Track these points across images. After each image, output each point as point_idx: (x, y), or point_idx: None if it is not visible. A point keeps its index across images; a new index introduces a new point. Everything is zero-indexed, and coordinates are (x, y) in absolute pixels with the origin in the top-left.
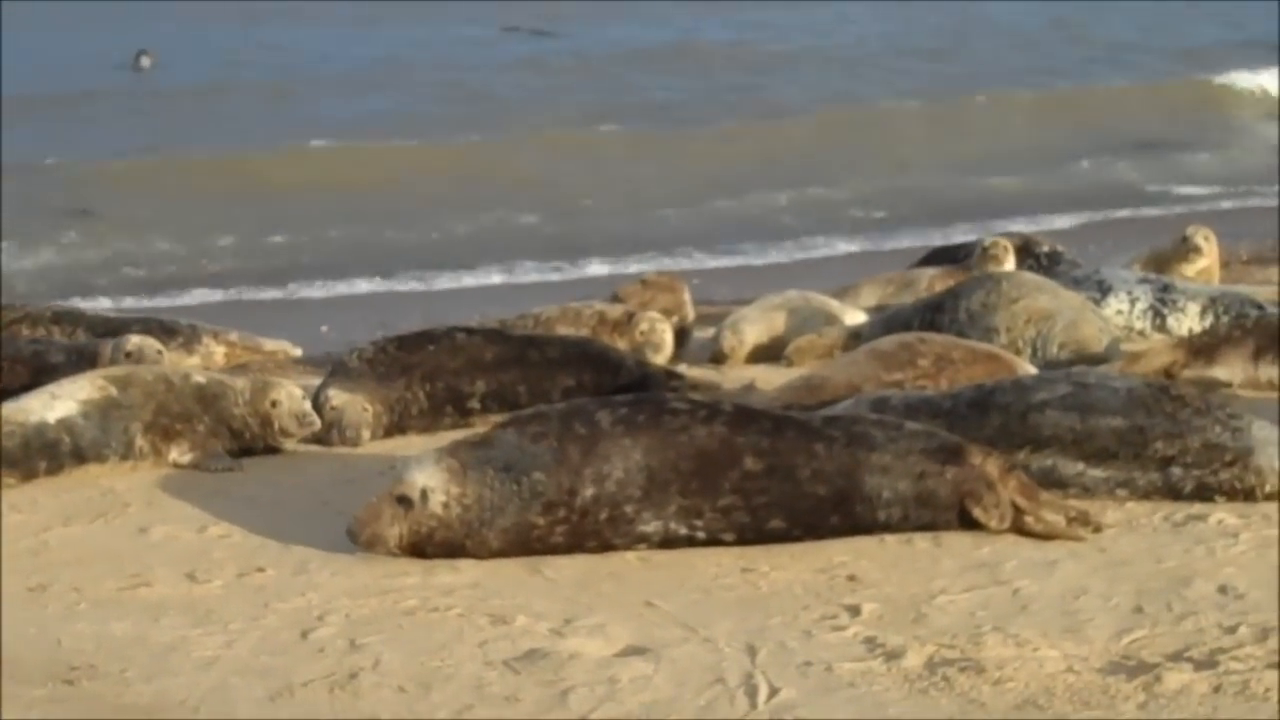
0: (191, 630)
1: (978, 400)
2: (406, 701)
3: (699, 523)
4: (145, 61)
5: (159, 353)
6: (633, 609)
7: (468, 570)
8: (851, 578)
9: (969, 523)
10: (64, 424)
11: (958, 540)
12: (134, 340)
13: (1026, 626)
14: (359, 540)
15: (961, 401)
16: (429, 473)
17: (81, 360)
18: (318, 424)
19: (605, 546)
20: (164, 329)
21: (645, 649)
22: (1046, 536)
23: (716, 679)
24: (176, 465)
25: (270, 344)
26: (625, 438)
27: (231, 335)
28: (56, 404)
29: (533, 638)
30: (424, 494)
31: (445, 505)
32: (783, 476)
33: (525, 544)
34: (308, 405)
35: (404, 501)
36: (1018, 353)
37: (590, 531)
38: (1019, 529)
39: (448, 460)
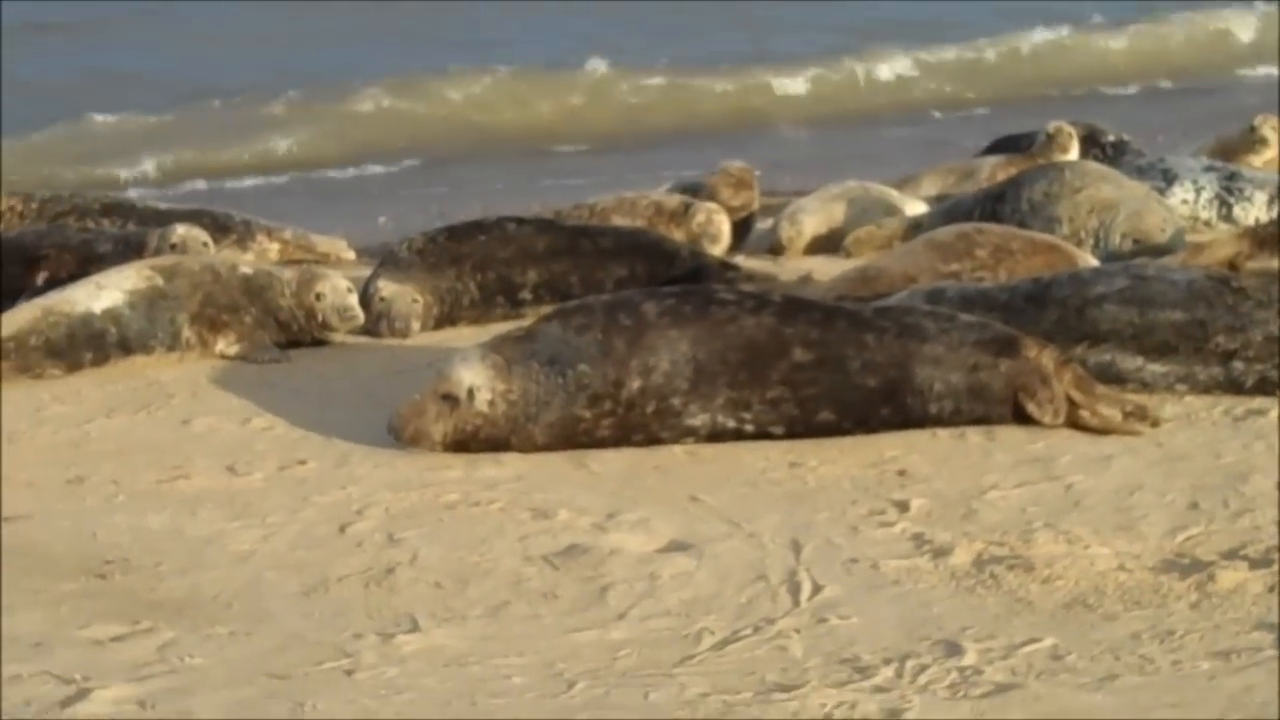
0: (229, 524)
1: (1034, 293)
2: (442, 597)
3: (747, 415)
4: None
5: (205, 244)
6: (677, 503)
7: (511, 464)
8: (901, 472)
9: (1023, 417)
10: (110, 314)
11: (1011, 435)
12: (180, 230)
13: (1078, 523)
14: (402, 437)
15: (1018, 294)
16: (475, 370)
17: (129, 250)
18: (360, 318)
19: (652, 440)
20: (217, 224)
21: (688, 544)
22: (1102, 431)
23: (759, 575)
24: (223, 356)
25: (324, 243)
26: (672, 329)
27: (285, 233)
28: (102, 294)
29: (574, 533)
30: (470, 392)
31: (491, 403)
32: (832, 368)
33: (571, 438)
34: (352, 299)
35: (449, 399)
36: (1079, 243)
37: (636, 425)
38: (1074, 423)
39: (492, 356)
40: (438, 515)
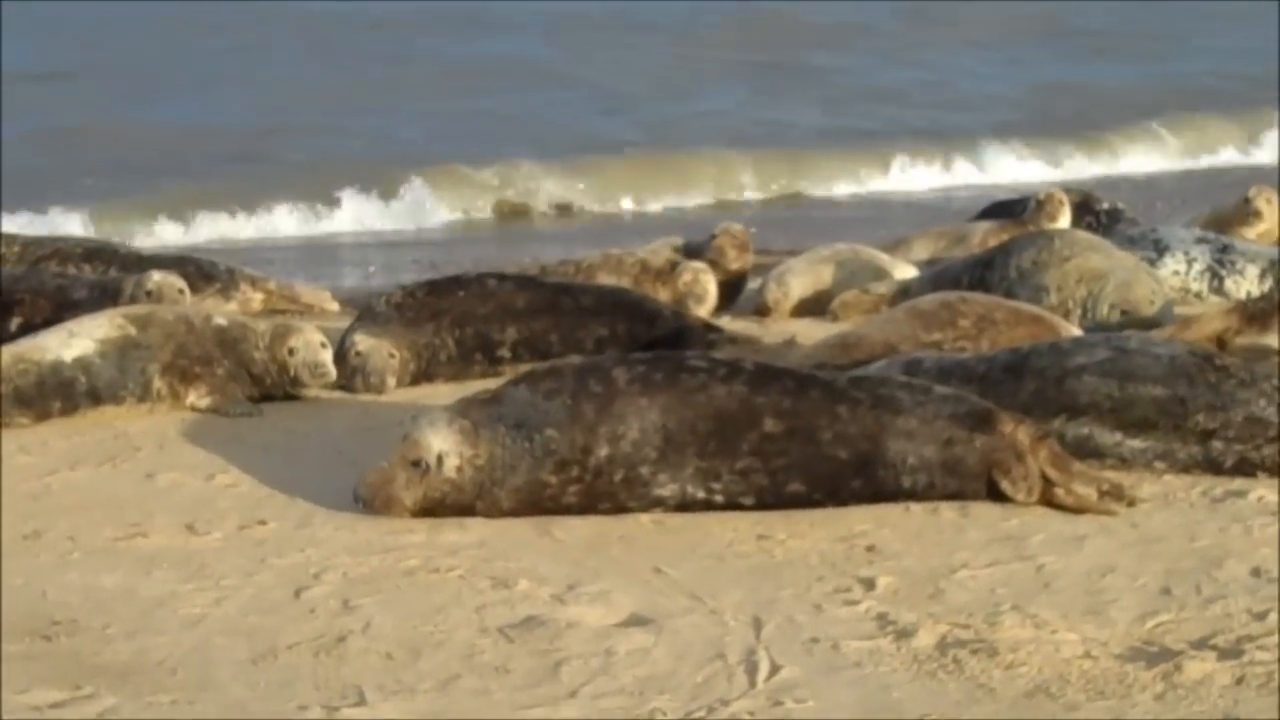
0: (182, 585)
1: (1013, 364)
2: (392, 669)
3: (716, 485)
4: None
5: (181, 291)
6: (640, 575)
7: (475, 529)
8: (870, 548)
9: (997, 493)
10: (80, 363)
11: (986, 511)
12: (155, 277)
13: (1047, 606)
14: (372, 505)
15: (996, 365)
16: (442, 435)
17: (105, 296)
18: (332, 375)
19: (619, 509)
20: (201, 272)
21: (648, 619)
22: (1078, 510)
23: (717, 654)
24: (194, 409)
25: (308, 294)
26: (641, 396)
27: (270, 283)
28: (74, 342)
29: (532, 603)
30: (439, 458)
31: (459, 469)
32: (804, 439)
33: (537, 504)
34: (325, 355)
35: (418, 465)
36: (1067, 313)
37: (604, 493)
38: (1049, 501)
39: (460, 421)
40: (395, 582)
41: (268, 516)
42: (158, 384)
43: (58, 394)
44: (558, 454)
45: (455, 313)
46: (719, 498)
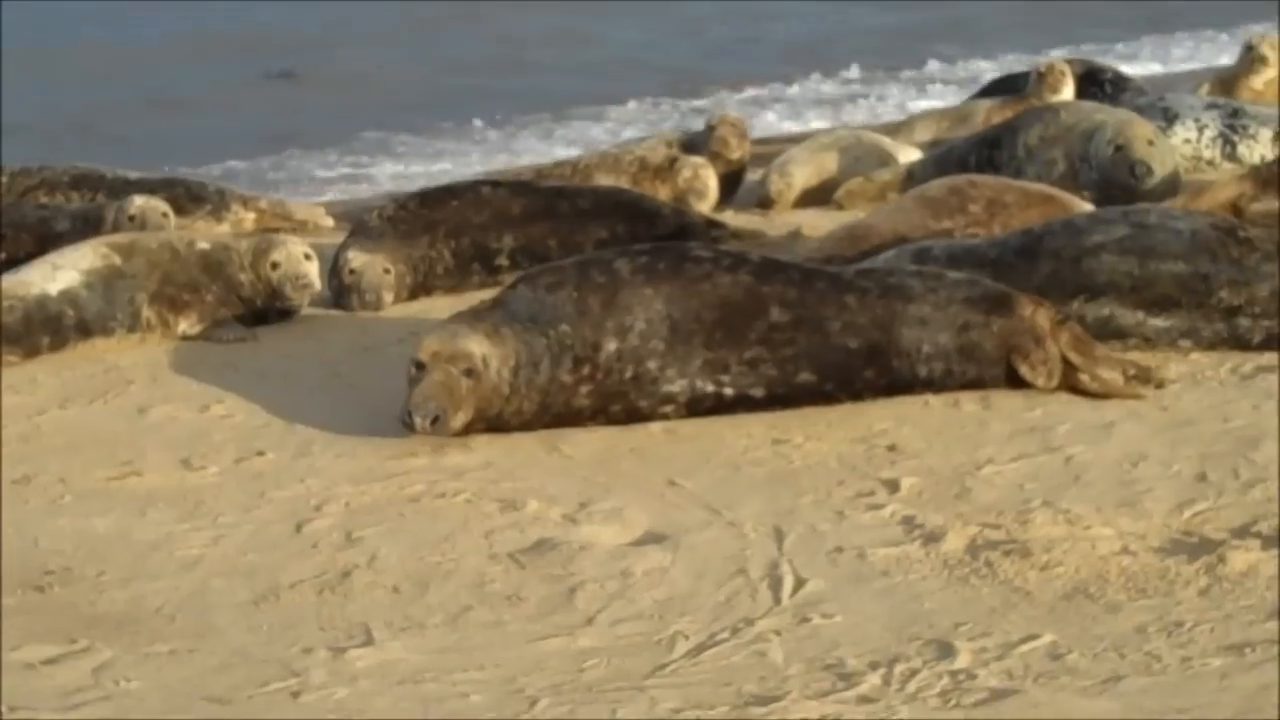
0: (178, 525)
1: (1026, 246)
2: (399, 604)
3: (725, 378)
4: None
5: (165, 215)
6: (654, 489)
7: (480, 449)
8: (891, 447)
9: (1017, 380)
10: (67, 295)
11: (1008, 401)
12: (138, 202)
13: (1079, 500)
14: (449, 427)
15: (1008, 249)
16: (477, 339)
17: (87, 226)
18: (315, 286)
19: (631, 410)
20: (190, 194)
21: (664, 536)
22: (1103, 395)
23: (739, 569)
24: (185, 337)
25: (301, 210)
26: (646, 287)
27: (261, 201)
28: (59, 275)
29: (543, 525)
30: (484, 361)
31: (498, 371)
32: (811, 328)
33: (553, 407)
34: (308, 266)
35: (470, 374)
36: (1075, 175)
37: (615, 392)
38: (1072, 387)
39: (480, 325)
40: (399, 509)
41: (265, 447)
42: (146, 313)
43: (45, 329)
44: (573, 349)
45: (450, 223)
46: (728, 390)
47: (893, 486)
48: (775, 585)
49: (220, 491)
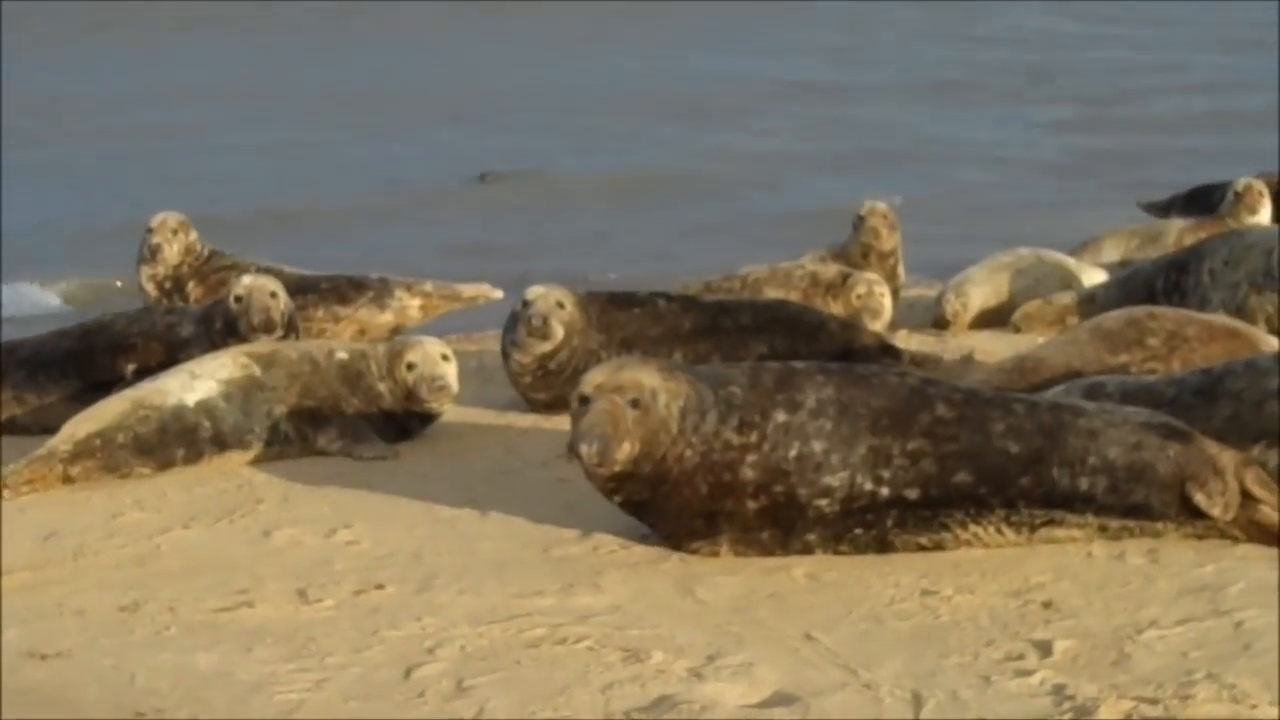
0: (283, 665)
1: (1205, 386)
2: None
3: (885, 473)
4: None
5: (273, 295)
6: (788, 642)
7: (611, 589)
8: (1047, 604)
9: (1187, 511)
10: (204, 407)
11: (1178, 554)
12: (245, 281)
13: (1247, 673)
14: (614, 457)
15: (1186, 388)
16: (648, 372)
17: (209, 326)
18: (453, 390)
19: (790, 495)
20: (352, 284)
21: (794, 697)
22: None
23: None
24: (324, 453)
25: (469, 290)
26: (819, 374)
27: (426, 285)
28: (196, 384)
29: (666, 681)
30: (653, 393)
31: (667, 405)
32: (974, 427)
33: (718, 466)
34: (445, 368)
35: (637, 404)
36: (1260, 297)
37: (779, 470)
38: (1251, 521)
39: (650, 361)
40: (516, 656)
41: (386, 579)
42: (285, 427)
43: (180, 440)
44: (741, 410)
45: (627, 331)
46: (884, 490)
47: (1045, 649)
48: None
49: (333, 628)
